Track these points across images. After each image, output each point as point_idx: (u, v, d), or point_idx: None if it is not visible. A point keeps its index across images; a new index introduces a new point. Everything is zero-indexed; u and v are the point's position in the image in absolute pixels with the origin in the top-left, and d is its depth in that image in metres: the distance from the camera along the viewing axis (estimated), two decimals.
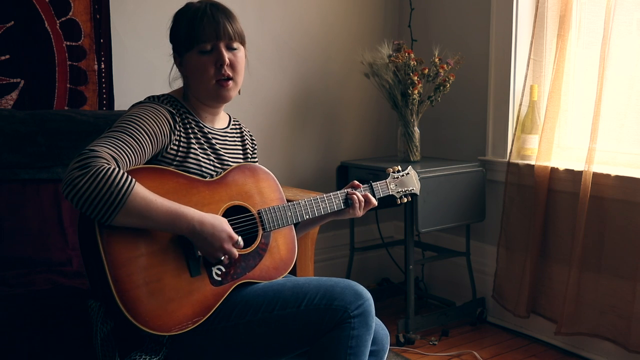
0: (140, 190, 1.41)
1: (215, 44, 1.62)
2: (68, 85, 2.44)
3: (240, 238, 1.56)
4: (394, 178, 1.93)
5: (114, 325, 1.52)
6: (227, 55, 1.63)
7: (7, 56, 2.31)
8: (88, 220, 1.43)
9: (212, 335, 1.55)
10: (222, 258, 1.53)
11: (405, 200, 1.95)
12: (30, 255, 2.07)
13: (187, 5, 1.68)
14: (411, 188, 1.96)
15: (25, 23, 2.33)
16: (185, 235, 1.49)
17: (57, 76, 2.41)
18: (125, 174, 1.40)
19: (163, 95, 1.66)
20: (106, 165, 1.38)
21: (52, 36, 2.39)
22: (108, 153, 1.41)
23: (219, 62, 1.63)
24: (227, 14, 1.65)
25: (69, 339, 1.68)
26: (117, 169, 1.39)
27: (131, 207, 1.39)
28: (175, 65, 1.73)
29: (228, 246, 1.52)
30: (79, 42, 2.45)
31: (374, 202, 1.85)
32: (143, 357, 1.51)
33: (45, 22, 2.38)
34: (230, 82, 1.65)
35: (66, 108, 2.44)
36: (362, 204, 1.82)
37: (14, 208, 2.11)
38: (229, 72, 1.64)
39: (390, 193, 1.91)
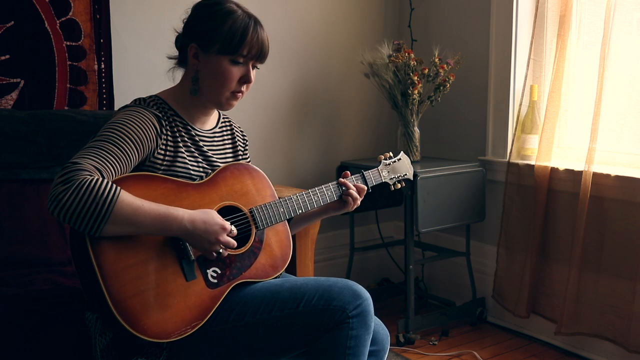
0: (126, 198, 1.39)
1: (248, 61, 1.62)
2: (68, 85, 2.44)
3: (233, 227, 1.54)
4: (386, 165, 1.90)
5: (113, 336, 1.51)
6: (252, 75, 1.64)
7: (7, 56, 2.31)
8: (78, 233, 1.42)
9: (211, 338, 1.55)
10: (221, 251, 1.52)
11: (399, 186, 1.92)
12: (30, 255, 2.07)
13: (225, 5, 1.61)
14: (404, 173, 1.93)
15: (25, 23, 2.33)
16: (179, 237, 1.48)
17: (57, 76, 2.42)
18: (110, 183, 1.38)
19: (150, 97, 1.63)
20: (89, 177, 1.36)
21: (52, 36, 2.39)
22: (91, 164, 1.40)
23: (244, 79, 1.63)
24: (266, 34, 1.65)
25: (69, 338, 1.68)
26: (100, 178, 1.37)
27: (119, 216, 1.38)
28: (181, 55, 1.68)
29: (223, 238, 1.51)
30: (79, 42, 2.45)
31: (364, 189, 1.82)
32: None
33: (45, 22, 2.38)
34: (241, 95, 1.66)
35: (66, 108, 2.44)
36: (358, 201, 1.80)
37: (14, 208, 2.11)
38: (245, 90, 1.66)
39: (383, 180, 1.88)
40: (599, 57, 2.44)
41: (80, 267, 1.46)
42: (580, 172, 2.48)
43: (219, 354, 1.56)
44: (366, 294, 1.56)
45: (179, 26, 1.71)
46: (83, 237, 1.41)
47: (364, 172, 1.85)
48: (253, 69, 1.65)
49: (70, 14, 2.42)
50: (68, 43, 2.43)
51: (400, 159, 1.94)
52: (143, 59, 2.66)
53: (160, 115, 1.59)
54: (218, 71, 1.60)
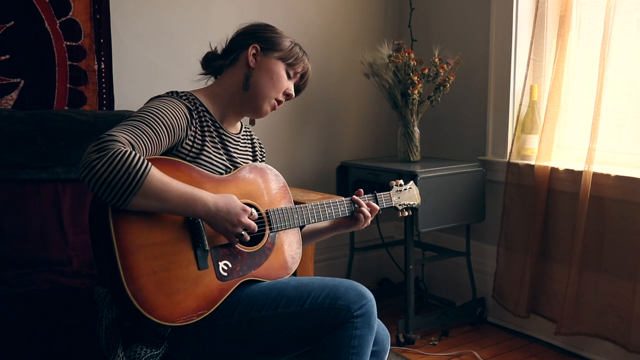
0: (156, 173, 1.43)
1: (293, 80, 1.77)
2: (68, 85, 2.44)
3: (254, 210, 1.58)
4: (397, 191, 1.95)
5: (119, 313, 1.52)
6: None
7: (7, 56, 2.31)
8: (101, 205, 1.44)
9: (215, 332, 1.56)
10: (243, 233, 1.54)
11: (407, 213, 1.97)
12: (30, 255, 2.08)
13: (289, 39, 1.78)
14: (412, 202, 1.97)
15: (25, 23, 2.33)
16: (201, 218, 1.51)
17: (57, 76, 2.41)
18: (142, 158, 1.42)
19: (183, 92, 1.68)
20: (123, 148, 1.40)
21: (52, 36, 2.39)
22: (125, 138, 1.44)
23: (287, 92, 1.76)
24: None
25: (68, 339, 1.68)
26: (133, 152, 1.41)
27: (148, 189, 1.41)
28: (232, 54, 1.74)
29: (245, 219, 1.54)
30: (79, 42, 2.45)
31: (378, 208, 1.86)
32: (144, 349, 1.53)
33: (45, 22, 2.38)
34: (278, 107, 1.77)
35: (66, 108, 2.44)
36: (369, 220, 1.84)
37: (14, 208, 2.11)
38: (283, 102, 1.77)
39: (393, 205, 1.93)
40: (599, 57, 2.44)
41: (97, 240, 1.49)
42: (580, 172, 2.48)
43: (221, 349, 1.57)
44: (370, 295, 1.58)
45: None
46: (106, 209, 1.43)
47: (377, 194, 1.89)
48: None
49: (70, 14, 2.42)
50: (68, 43, 2.43)
51: (410, 188, 1.98)
52: (143, 59, 2.66)
53: (191, 107, 1.64)
54: (275, 73, 1.72)
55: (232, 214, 1.52)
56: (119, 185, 1.38)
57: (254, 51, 1.71)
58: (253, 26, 1.77)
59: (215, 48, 1.79)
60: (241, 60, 1.72)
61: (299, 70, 1.76)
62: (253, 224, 1.57)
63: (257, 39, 1.73)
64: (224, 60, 1.75)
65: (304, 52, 1.79)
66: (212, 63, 1.78)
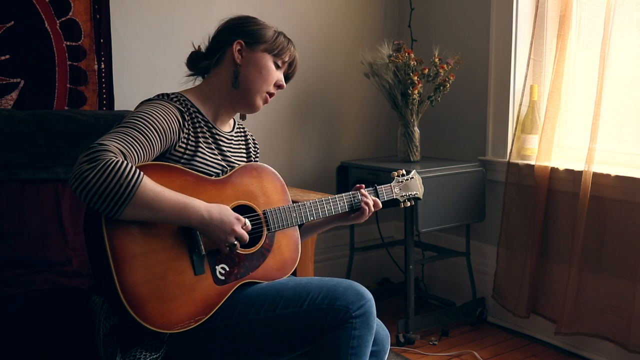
0: (149, 183, 1.42)
1: (281, 69, 1.75)
2: (68, 85, 2.44)
3: (247, 221, 1.57)
4: (398, 182, 1.94)
5: (117, 321, 1.52)
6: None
7: (7, 56, 2.31)
8: (94, 215, 1.43)
9: (213, 334, 1.56)
10: (235, 243, 1.53)
11: (409, 204, 1.96)
12: (30, 255, 2.08)
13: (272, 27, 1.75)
14: (414, 192, 1.96)
15: (25, 23, 2.33)
16: (195, 227, 1.50)
17: (57, 76, 2.41)
18: (134, 167, 1.40)
19: (173, 93, 1.66)
20: (114, 158, 1.38)
21: (52, 36, 2.39)
22: (117, 147, 1.42)
23: (278, 83, 1.74)
24: None
25: (69, 339, 1.68)
26: (125, 162, 1.39)
27: (140, 200, 1.40)
28: (217, 52, 1.72)
29: (238, 229, 1.53)
30: (79, 42, 2.45)
31: (380, 204, 1.85)
32: (143, 353, 1.52)
33: (45, 22, 2.38)
34: (270, 99, 1.75)
35: (66, 108, 2.44)
36: (372, 211, 1.83)
37: (14, 208, 2.11)
38: (274, 94, 1.76)
39: (395, 197, 1.92)
40: (599, 57, 2.44)
41: (92, 249, 1.48)
42: (580, 172, 2.48)
43: (220, 351, 1.57)
44: (369, 295, 1.57)
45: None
46: (99, 219, 1.42)
47: (377, 187, 1.88)
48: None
49: (70, 14, 2.42)
50: (68, 43, 2.43)
51: (412, 177, 1.97)
52: (143, 59, 2.66)
53: (183, 109, 1.62)
54: (264, 67, 1.70)
55: (225, 223, 1.51)
56: (111, 197, 1.37)
57: (238, 47, 1.69)
58: (234, 20, 1.74)
59: (199, 47, 1.77)
60: (227, 58, 1.70)
61: (286, 59, 1.74)
62: (245, 234, 1.55)
63: (240, 34, 1.70)
64: (210, 60, 1.73)
65: (288, 40, 1.75)
66: (198, 64, 1.75)
